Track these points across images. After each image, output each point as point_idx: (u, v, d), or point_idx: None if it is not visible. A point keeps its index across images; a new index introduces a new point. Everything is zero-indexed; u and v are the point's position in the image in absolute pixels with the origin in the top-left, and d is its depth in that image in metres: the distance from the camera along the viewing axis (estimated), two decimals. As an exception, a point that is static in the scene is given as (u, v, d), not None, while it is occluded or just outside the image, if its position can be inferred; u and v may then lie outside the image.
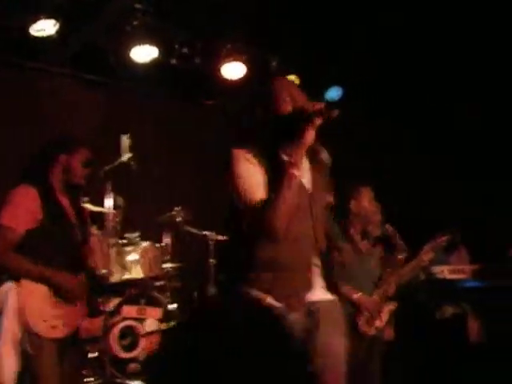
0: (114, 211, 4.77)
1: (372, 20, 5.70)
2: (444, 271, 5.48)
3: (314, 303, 2.39)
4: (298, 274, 2.38)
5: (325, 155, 2.49)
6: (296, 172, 2.26)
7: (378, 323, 3.92)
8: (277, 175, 2.28)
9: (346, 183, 3.84)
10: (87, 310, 3.13)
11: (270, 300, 2.31)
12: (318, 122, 2.23)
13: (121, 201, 5.15)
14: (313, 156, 2.46)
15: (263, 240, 2.31)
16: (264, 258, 2.32)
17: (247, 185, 2.28)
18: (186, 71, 6.08)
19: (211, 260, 5.48)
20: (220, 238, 5.56)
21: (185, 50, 5.76)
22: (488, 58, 5.80)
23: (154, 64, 5.81)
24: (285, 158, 2.30)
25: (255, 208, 2.24)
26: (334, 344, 2.37)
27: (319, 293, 2.44)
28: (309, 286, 2.39)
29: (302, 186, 2.36)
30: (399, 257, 4.15)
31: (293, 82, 2.51)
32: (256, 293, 2.32)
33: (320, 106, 2.21)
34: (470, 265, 5.74)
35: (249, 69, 6.19)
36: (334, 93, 6.91)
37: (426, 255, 4.26)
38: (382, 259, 4.13)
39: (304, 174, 2.39)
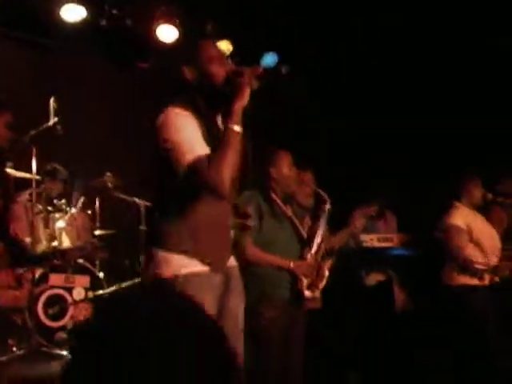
0: (40, 177, 4.61)
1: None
2: (373, 239, 5.60)
3: (228, 268, 2.45)
4: (223, 235, 2.43)
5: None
6: (238, 129, 2.25)
7: (320, 284, 3.86)
8: (216, 132, 2.30)
9: (265, 148, 3.82)
10: (12, 280, 3.04)
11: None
12: (253, 82, 2.29)
13: (64, 171, 5.02)
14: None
15: (200, 198, 2.29)
16: (194, 218, 2.32)
17: (188, 140, 2.24)
18: (117, 32, 5.89)
19: (142, 227, 5.41)
20: (150, 204, 5.48)
21: (115, 11, 5.58)
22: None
23: (83, 24, 5.62)
24: (224, 118, 2.32)
25: (199, 163, 2.19)
26: (239, 308, 2.48)
27: (231, 258, 2.49)
28: (229, 250, 2.46)
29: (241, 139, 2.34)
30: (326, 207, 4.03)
31: (214, 44, 2.52)
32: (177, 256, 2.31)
33: (258, 68, 2.30)
34: (396, 231, 5.88)
35: (182, 32, 6.06)
36: (269, 59, 6.87)
37: (358, 222, 4.29)
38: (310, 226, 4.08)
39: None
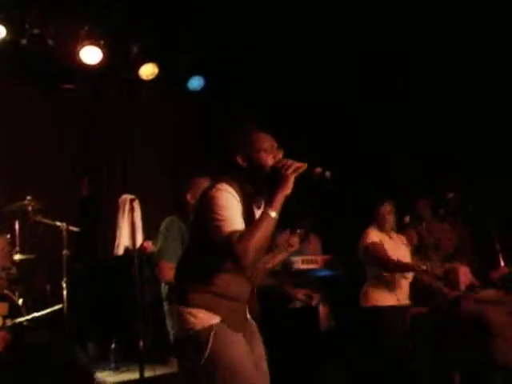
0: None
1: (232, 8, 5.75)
2: (298, 261, 5.71)
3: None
4: (243, 303, 2.72)
5: None
6: (274, 215, 2.47)
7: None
8: (253, 213, 2.58)
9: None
10: None
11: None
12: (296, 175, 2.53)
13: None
14: None
15: (226, 269, 2.53)
16: (219, 284, 2.56)
17: (231, 217, 2.46)
18: (38, 53, 5.77)
19: (64, 251, 5.29)
20: (72, 228, 5.39)
21: (36, 31, 5.48)
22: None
23: (3, 44, 5.49)
24: (263, 203, 2.60)
25: (232, 236, 2.40)
26: (262, 351, 2.76)
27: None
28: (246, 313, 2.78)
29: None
30: None
31: (269, 137, 2.68)
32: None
33: (303, 165, 2.53)
34: (321, 253, 6.02)
35: (106, 54, 6.02)
36: (195, 82, 6.91)
37: (293, 240, 4.39)
38: None
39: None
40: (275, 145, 2.65)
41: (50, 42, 5.67)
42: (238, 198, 2.53)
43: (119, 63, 6.38)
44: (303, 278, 5.63)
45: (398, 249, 4.76)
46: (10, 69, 5.97)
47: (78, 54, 5.91)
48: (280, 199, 2.51)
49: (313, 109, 6.68)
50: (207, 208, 2.49)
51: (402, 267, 4.60)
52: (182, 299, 2.58)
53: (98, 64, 6.02)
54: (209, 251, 2.54)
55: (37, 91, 6.34)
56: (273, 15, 5.85)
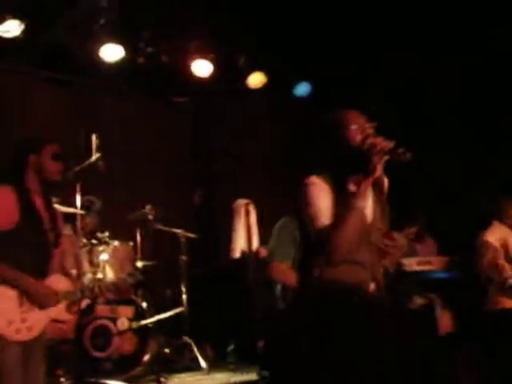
0: (84, 211, 4.78)
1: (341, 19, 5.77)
2: (412, 263, 5.61)
3: None
4: None
5: (386, 185, 2.66)
6: (361, 203, 2.44)
7: None
8: (343, 204, 2.46)
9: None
10: (66, 314, 3.13)
11: None
12: (386, 157, 2.43)
13: (98, 203, 5.18)
14: (376, 186, 2.61)
15: (323, 262, 2.48)
16: (322, 279, 2.50)
17: (317, 209, 2.46)
18: (153, 69, 6.09)
19: (183, 257, 5.53)
20: (190, 235, 5.61)
21: (150, 49, 5.79)
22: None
23: (122, 63, 5.83)
24: (352, 188, 2.50)
25: (321, 232, 2.43)
26: None
27: None
28: None
29: (363, 216, 2.51)
30: None
31: (359, 113, 2.62)
32: None
33: (389, 144, 2.42)
34: (437, 255, 5.87)
35: (216, 66, 6.23)
36: (302, 89, 6.98)
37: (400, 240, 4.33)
38: None
39: (367, 204, 2.56)
40: (364, 120, 2.56)
41: (164, 59, 5.97)
42: (329, 191, 2.50)
43: (228, 74, 6.58)
44: (417, 280, 5.52)
45: None
46: (128, 85, 6.33)
47: (189, 67, 6.18)
48: (366, 189, 2.45)
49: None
50: (305, 200, 2.49)
51: None
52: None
53: (209, 76, 6.26)
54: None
55: (152, 105, 6.65)
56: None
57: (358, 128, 2.53)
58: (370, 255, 2.57)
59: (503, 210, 4.56)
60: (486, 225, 4.60)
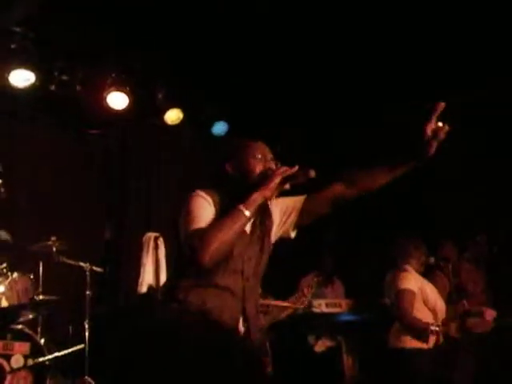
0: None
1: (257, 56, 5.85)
2: (321, 305, 5.63)
3: None
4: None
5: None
6: (246, 211, 2.33)
7: None
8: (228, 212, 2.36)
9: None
10: None
11: None
12: (285, 184, 2.42)
13: (6, 235, 4.95)
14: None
15: (190, 285, 2.39)
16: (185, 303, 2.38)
17: (195, 215, 2.36)
18: (66, 98, 5.96)
19: (88, 292, 5.32)
20: (96, 268, 5.43)
21: (64, 77, 5.67)
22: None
23: (32, 89, 5.67)
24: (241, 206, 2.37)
25: (194, 232, 2.30)
26: None
27: None
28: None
29: (244, 223, 2.38)
30: None
31: (264, 145, 2.59)
32: None
33: (291, 171, 2.39)
34: (344, 297, 5.94)
35: (133, 100, 6.17)
36: (219, 128, 6.99)
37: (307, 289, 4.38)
38: None
39: (252, 218, 2.45)
40: (269, 155, 2.55)
41: (78, 88, 5.86)
42: (212, 202, 2.42)
43: (145, 109, 6.52)
44: (327, 322, 5.54)
45: (434, 293, 4.42)
46: (38, 113, 6.16)
47: (105, 99, 6.08)
48: (257, 198, 2.36)
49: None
50: (183, 213, 2.42)
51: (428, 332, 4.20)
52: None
53: (125, 109, 6.17)
54: None
55: (64, 135, 6.49)
56: (297, 61, 5.94)
57: (260, 161, 2.51)
58: (241, 284, 2.46)
59: (410, 254, 4.49)
60: (393, 270, 4.57)
